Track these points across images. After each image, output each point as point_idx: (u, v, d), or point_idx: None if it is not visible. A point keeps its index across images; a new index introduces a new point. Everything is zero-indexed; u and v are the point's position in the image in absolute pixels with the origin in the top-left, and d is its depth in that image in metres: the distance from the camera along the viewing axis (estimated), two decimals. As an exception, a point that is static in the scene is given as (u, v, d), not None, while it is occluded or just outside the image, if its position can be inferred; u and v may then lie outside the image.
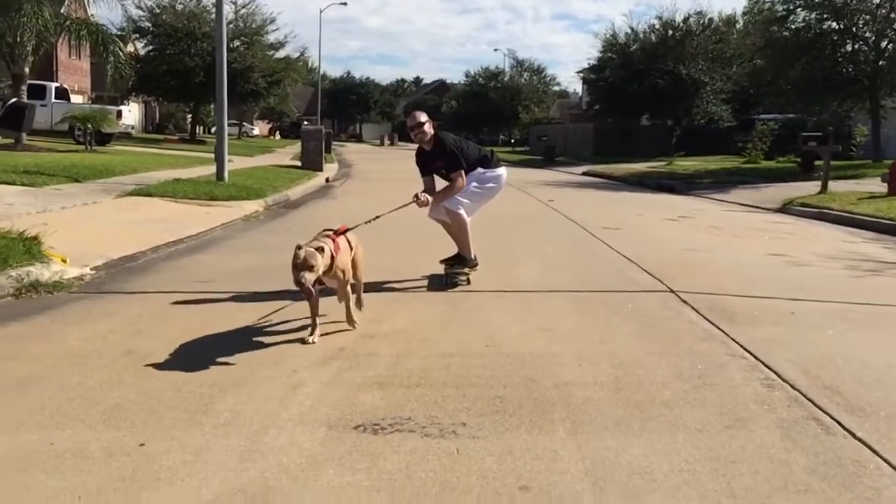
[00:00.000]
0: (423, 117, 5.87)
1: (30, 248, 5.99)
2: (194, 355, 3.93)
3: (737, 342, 4.32)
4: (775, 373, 3.76)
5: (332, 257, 4.18)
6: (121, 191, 11.59)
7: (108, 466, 2.60)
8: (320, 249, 4.09)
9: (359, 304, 4.72)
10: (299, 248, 4.02)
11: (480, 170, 6.03)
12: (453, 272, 5.98)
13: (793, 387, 3.55)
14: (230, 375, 3.61)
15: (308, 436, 2.91)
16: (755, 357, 4.02)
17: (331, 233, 4.42)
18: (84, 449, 2.74)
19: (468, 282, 5.92)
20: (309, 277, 3.96)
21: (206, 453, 2.73)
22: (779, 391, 3.50)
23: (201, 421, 3.04)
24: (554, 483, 2.54)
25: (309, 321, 4.35)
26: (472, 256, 6.05)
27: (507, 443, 2.87)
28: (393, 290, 5.73)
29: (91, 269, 6.22)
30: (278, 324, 4.61)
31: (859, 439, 2.94)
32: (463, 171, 5.85)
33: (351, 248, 4.53)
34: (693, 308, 5.18)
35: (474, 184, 5.97)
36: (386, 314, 4.91)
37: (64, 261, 6.11)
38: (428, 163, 6.02)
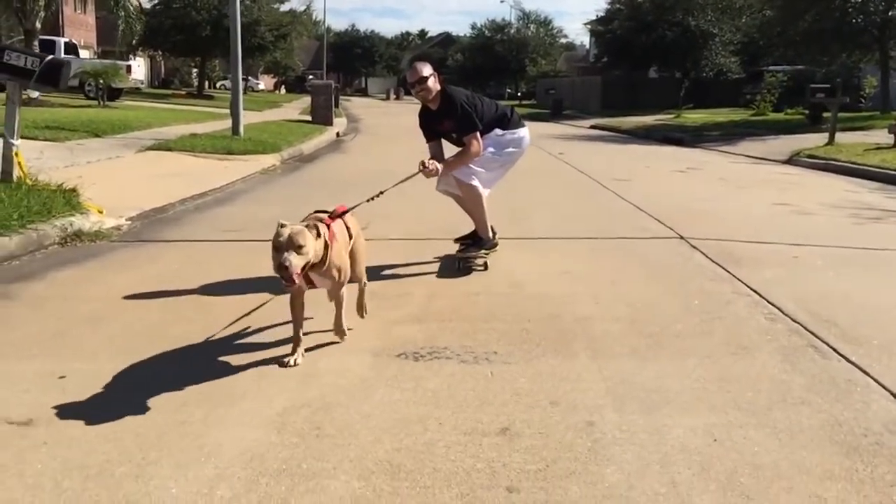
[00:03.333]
0: (426, 70, 4.77)
1: (69, 199, 6.29)
2: (239, 295, 4.25)
3: (743, 282, 4.63)
4: (778, 308, 4.08)
5: (327, 246, 3.19)
6: (141, 145, 11.85)
7: (184, 387, 2.94)
8: (313, 229, 3.13)
9: (361, 310, 3.83)
10: (282, 225, 3.05)
11: (498, 131, 5.03)
12: (467, 256, 5.06)
13: (793, 320, 3.87)
14: (274, 312, 3.92)
15: (356, 362, 3.24)
16: (759, 295, 4.34)
17: (325, 215, 3.42)
18: (159, 373, 3.08)
19: (485, 267, 4.99)
20: (296, 262, 2.97)
21: (268, 377, 3.07)
22: (780, 324, 3.83)
23: (258, 351, 3.37)
24: (580, 399, 2.88)
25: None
26: (491, 236, 5.17)
27: (535, 367, 3.21)
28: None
29: (127, 220, 6.54)
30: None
31: (852, 363, 3.27)
32: (478, 134, 4.85)
33: (350, 237, 3.53)
34: (702, 253, 5.49)
35: (491, 149, 4.95)
36: (411, 258, 5.23)
37: (101, 212, 6.42)
38: (434, 125, 4.98)
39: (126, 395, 2.86)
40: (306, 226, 3.11)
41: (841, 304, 4.20)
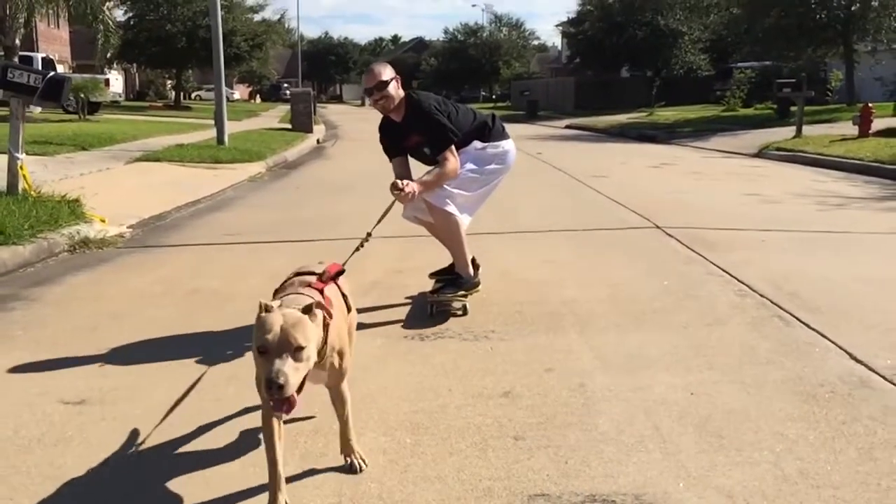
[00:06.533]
0: (385, 72, 3.94)
1: (74, 209, 6.58)
2: (249, 290, 4.55)
3: (715, 264, 5.01)
4: (747, 286, 4.46)
5: (326, 326, 2.14)
6: (129, 157, 12.10)
7: (212, 371, 3.24)
8: (309, 312, 2.02)
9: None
10: (267, 308, 1.99)
11: (478, 144, 4.19)
12: (441, 300, 4.10)
13: (761, 295, 4.25)
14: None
15: (369, 344, 3.56)
16: (730, 275, 4.73)
17: (313, 278, 2.39)
18: (188, 360, 3.39)
19: (464, 311, 4.05)
20: (293, 376, 1.90)
21: (289, 358, 3.38)
22: (750, 299, 4.21)
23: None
24: (572, 366, 3.24)
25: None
26: (472, 272, 4.25)
27: (530, 342, 3.56)
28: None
29: (128, 228, 6.82)
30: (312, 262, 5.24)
31: (813, 329, 3.65)
32: (454, 147, 4.03)
33: (348, 309, 2.54)
34: (677, 240, 5.87)
35: (470, 165, 4.12)
36: (408, 253, 5.55)
37: (103, 220, 6.70)
38: (399, 140, 4.13)
39: (162, 378, 3.17)
40: (305, 309, 2.01)
41: (804, 280, 4.59)
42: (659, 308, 4.07)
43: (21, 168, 6.67)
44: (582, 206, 8.02)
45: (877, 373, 3.08)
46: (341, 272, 2.51)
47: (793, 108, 17.86)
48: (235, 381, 3.10)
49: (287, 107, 31.38)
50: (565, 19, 45.05)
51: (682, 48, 37.80)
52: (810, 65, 26.13)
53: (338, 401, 2.39)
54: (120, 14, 37.34)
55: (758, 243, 5.79)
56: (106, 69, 34.74)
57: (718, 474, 2.28)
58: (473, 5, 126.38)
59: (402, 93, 4.03)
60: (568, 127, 26.65)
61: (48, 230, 5.89)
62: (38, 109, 16.20)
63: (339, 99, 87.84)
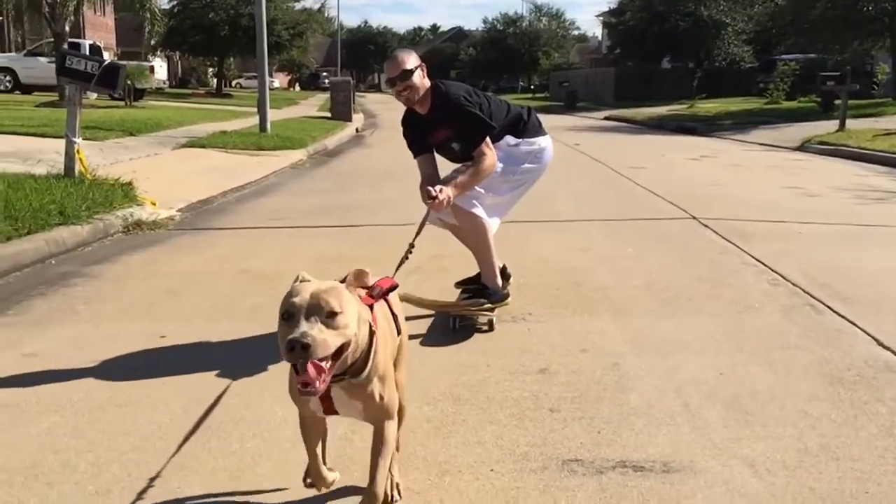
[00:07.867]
0: (409, 61, 3.56)
1: (127, 192, 6.85)
2: (296, 271, 4.74)
3: (750, 255, 5.10)
4: (781, 276, 4.55)
5: (373, 335, 1.85)
6: (175, 143, 12.43)
7: (265, 344, 3.44)
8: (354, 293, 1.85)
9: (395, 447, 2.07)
10: (302, 280, 1.82)
11: (511, 140, 3.81)
12: (465, 313, 3.72)
13: (794, 284, 4.34)
14: (333, 285, 4.45)
15: (410, 324, 3.72)
16: (765, 265, 4.81)
17: (362, 291, 1.93)
18: (243, 333, 3.60)
19: (491, 327, 3.67)
20: (322, 339, 1.64)
21: (336, 334, 3.57)
22: (782, 288, 4.31)
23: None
24: (605, 347, 3.38)
25: None
26: (500, 284, 3.83)
27: (565, 325, 3.71)
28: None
29: (177, 211, 7.08)
30: (356, 246, 5.44)
31: (843, 316, 3.75)
32: (489, 140, 3.62)
33: (398, 330, 2.14)
34: (713, 230, 5.96)
35: (500, 164, 3.71)
36: (446, 239, 5.71)
37: (154, 204, 6.96)
38: (426, 135, 3.80)
39: (220, 349, 3.38)
40: (342, 280, 1.85)
41: (838, 271, 4.67)
42: (692, 296, 4.19)
43: (78, 152, 6.96)
44: (619, 196, 8.11)
45: (903, 359, 3.18)
46: (394, 287, 2.09)
47: (837, 102, 17.65)
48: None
49: (326, 95, 31.76)
50: (606, 9, 44.83)
51: (724, 39, 37.29)
52: (856, 58, 25.68)
53: (378, 441, 1.90)
54: (164, 2, 38.06)
55: (794, 235, 5.85)
56: (150, 56, 35.47)
57: (743, 446, 2.41)
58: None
59: (427, 83, 3.64)
60: (607, 118, 26.56)
61: (104, 212, 6.15)
62: (94, 96, 16.75)
63: (377, 88, 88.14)
